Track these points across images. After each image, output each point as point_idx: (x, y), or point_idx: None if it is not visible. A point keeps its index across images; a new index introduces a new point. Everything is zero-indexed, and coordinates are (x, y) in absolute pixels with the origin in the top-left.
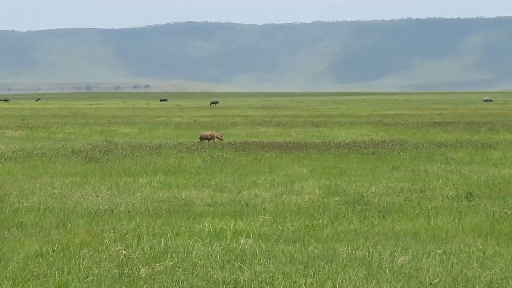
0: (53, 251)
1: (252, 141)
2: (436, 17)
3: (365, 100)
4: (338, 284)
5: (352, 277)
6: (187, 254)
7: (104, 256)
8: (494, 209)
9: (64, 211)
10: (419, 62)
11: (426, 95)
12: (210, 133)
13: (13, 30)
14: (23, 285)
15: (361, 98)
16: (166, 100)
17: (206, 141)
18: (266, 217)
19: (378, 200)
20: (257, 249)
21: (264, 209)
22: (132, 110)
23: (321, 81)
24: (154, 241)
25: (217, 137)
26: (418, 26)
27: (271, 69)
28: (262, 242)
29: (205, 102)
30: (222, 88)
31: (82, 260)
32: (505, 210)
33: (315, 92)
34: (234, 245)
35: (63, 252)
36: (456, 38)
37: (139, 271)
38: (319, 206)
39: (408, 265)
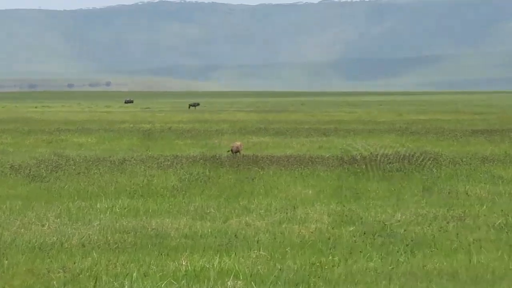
0: None
1: (243, 154)
2: None
3: (385, 101)
4: None
5: None
6: None
7: None
8: None
9: (0, 244)
10: (451, 53)
11: (463, 94)
12: (239, 143)
13: None
14: None
15: (381, 99)
16: (132, 101)
17: (237, 153)
18: (261, 252)
19: (405, 230)
20: None
21: (257, 242)
22: (88, 114)
23: (328, 78)
24: (115, 283)
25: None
26: (450, 7)
27: (266, 61)
28: (255, 284)
29: (182, 104)
30: (203, 86)
31: None
32: None
33: (321, 91)
34: None
35: None
36: (496, 23)
37: None
38: (329, 239)
39: None
